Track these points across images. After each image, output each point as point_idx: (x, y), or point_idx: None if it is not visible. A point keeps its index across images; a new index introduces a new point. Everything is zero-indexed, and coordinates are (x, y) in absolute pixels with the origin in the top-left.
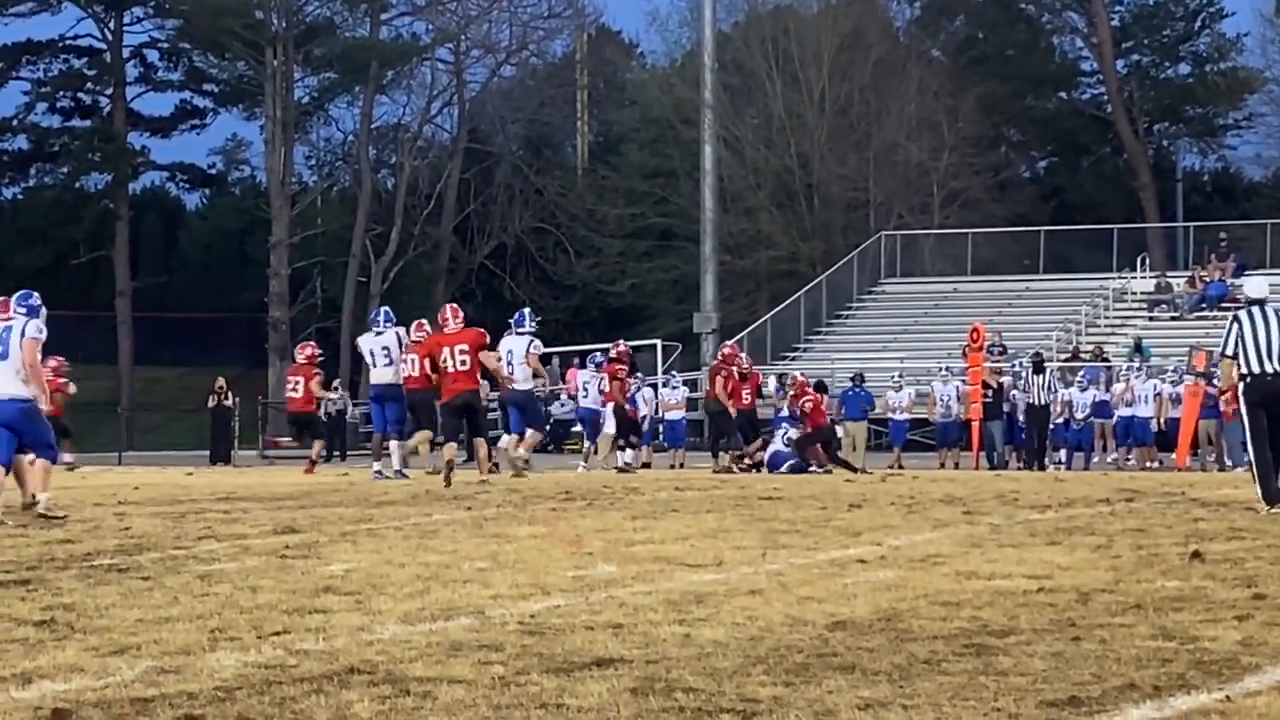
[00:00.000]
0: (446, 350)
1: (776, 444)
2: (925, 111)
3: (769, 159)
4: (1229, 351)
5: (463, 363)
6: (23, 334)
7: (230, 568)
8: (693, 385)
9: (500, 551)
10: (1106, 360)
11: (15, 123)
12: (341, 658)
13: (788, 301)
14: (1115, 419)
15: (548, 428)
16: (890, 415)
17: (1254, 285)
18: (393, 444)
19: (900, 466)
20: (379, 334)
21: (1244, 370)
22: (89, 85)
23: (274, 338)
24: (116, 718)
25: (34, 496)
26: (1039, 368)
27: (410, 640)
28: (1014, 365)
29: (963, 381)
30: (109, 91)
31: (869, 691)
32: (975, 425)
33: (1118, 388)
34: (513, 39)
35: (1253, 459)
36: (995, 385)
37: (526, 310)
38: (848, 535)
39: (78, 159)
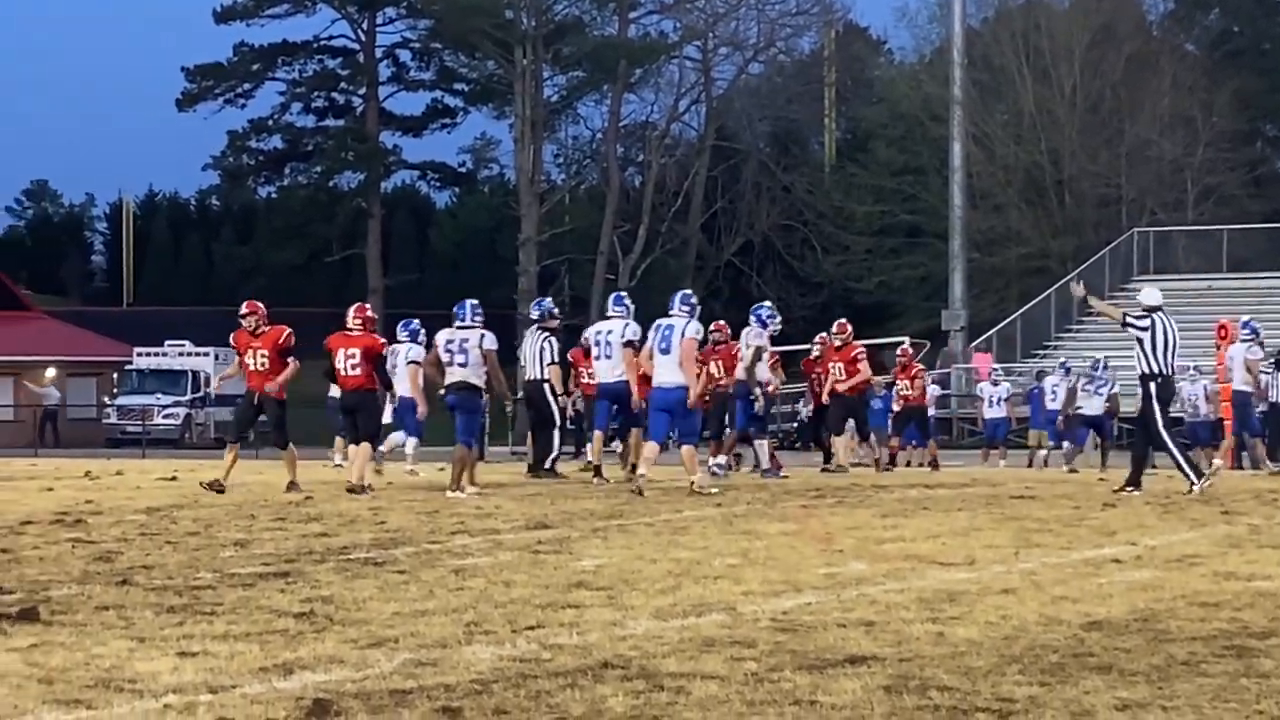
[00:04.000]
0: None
1: None
2: (1179, 106)
3: (1019, 155)
4: (1145, 351)
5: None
6: (683, 334)
7: (484, 562)
8: (943, 382)
9: (751, 548)
10: None
11: (271, 123)
12: (595, 652)
13: (1038, 299)
14: None
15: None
16: None
17: (1149, 294)
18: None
19: (1153, 466)
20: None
21: (1156, 371)
22: (342, 85)
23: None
24: (376, 709)
25: (634, 467)
26: None
27: (663, 636)
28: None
29: (1212, 380)
30: (362, 91)
31: (1127, 692)
32: (1228, 425)
33: None
34: (760, 36)
35: (1173, 449)
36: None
37: (766, 304)
38: (1102, 534)
39: (331, 158)
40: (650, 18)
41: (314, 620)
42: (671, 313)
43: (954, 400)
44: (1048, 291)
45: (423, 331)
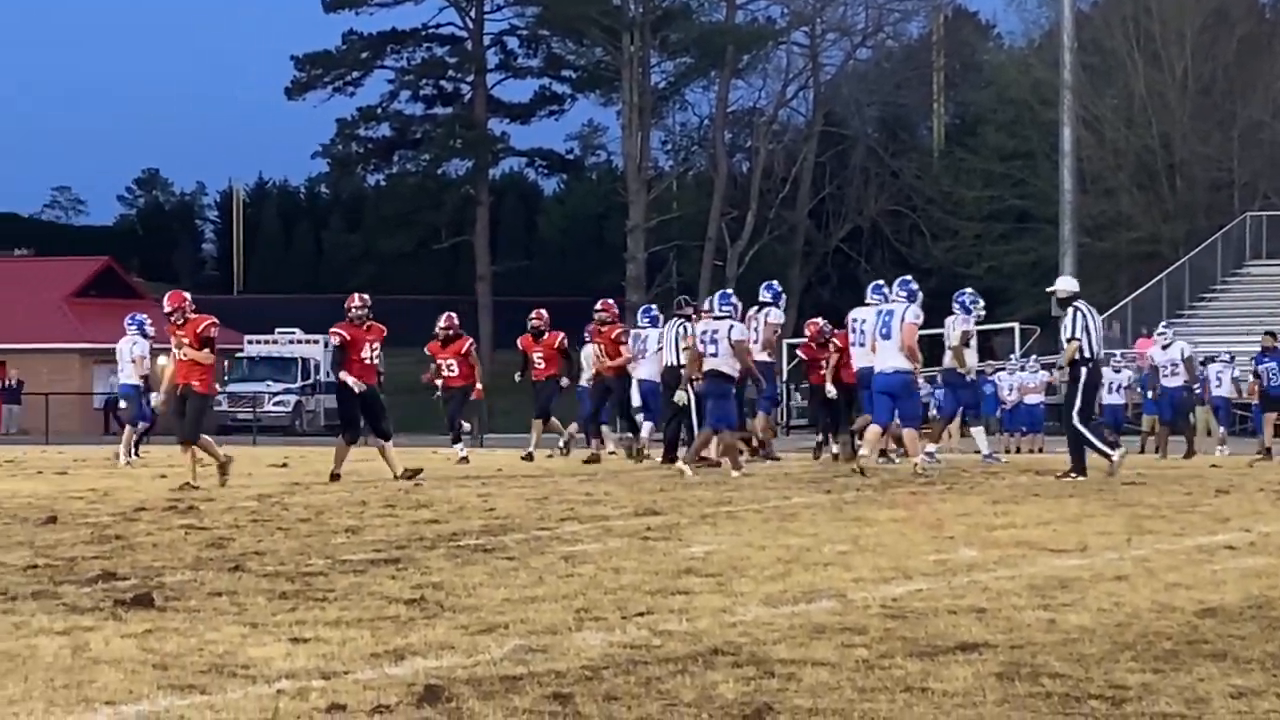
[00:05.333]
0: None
1: None
2: None
3: (1129, 139)
4: (1077, 335)
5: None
6: (903, 319)
7: (593, 549)
8: (1051, 369)
9: (861, 535)
10: None
11: (379, 111)
12: (705, 639)
13: (1149, 284)
14: None
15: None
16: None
17: (1066, 282)
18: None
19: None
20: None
21: (1086, 355)
22: (450, 73)
23: (630, 321)
24: (487, 695)
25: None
26: None
27: (773, 622)
28: None
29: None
30: (470, 79)
31: (1241, 680)
32: None
33: None
34: (868, 21)
35: (1087, 430)
36: None
37: (967, 290)
38: (1215, 521)
39: (440, 146)
40: (758, 3)
41: (425, 606)
42: (891, 298)
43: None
44: (1159, 277)
45: (661, 318)
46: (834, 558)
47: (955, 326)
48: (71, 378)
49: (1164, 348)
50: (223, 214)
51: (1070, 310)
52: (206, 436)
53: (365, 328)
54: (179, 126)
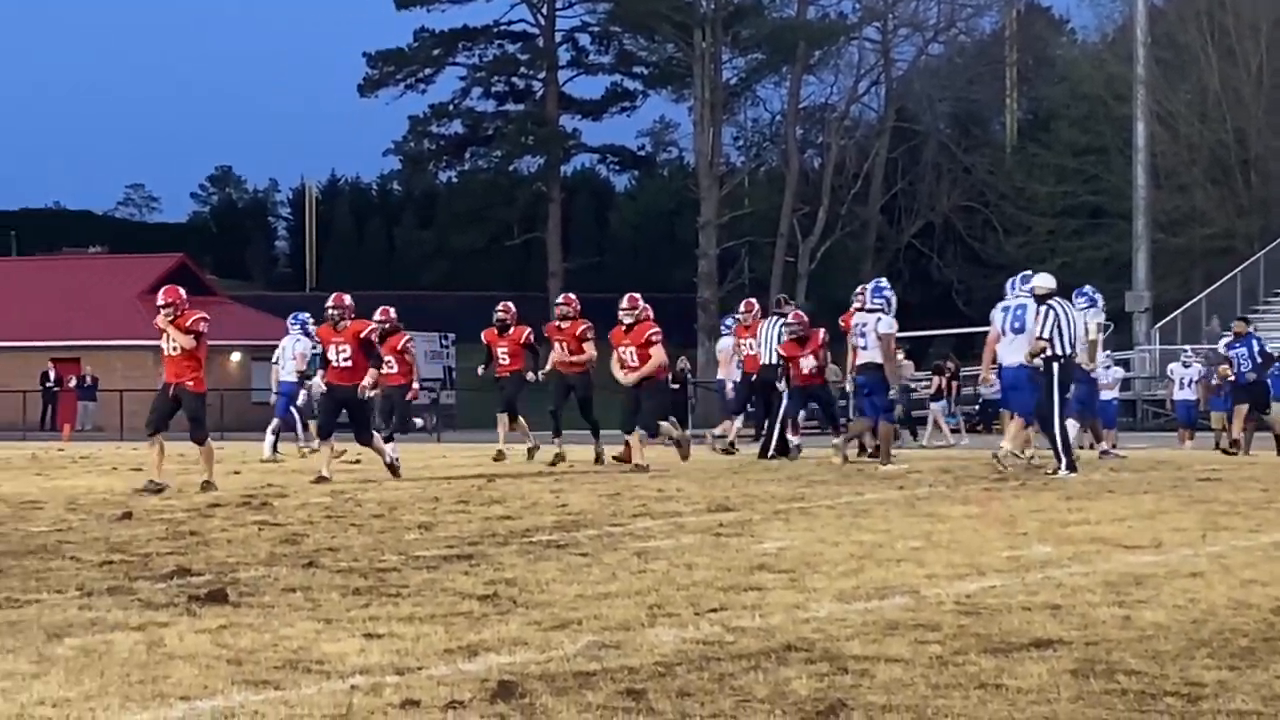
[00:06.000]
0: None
1: None
2: None
3: (1203, 134)
4: (1045, 334)
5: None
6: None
7: (666, 545)
8: (1125, 365)
9: (934, 531)
10: None
11: (451, 107)
12: (778, 635)
13: (1223, 279)
14: None
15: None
16: None
17: (1043, 279)
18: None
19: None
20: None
21: (1058, 353)
22: (522, 70)
23: (702, 318)
24: (560, 691)
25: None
26: None
27: (846, 618)
28: None
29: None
30: (541, 75)
31: None
32: None
33: None
34: (941, 16)
35: (1059, 431)
36: None
37: (1088, 286)
38: None
39: (511, 142)
40: None
41: (498, 603)
42: (1016, 294)
43: (1138, 382)
44: (1233, 272)
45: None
46: (907, 554)
47: (1088, 319)
48: (146, 374)
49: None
50: (295, 211)
51: (1044, 308)
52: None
53: (338, 329)
54: (252, 124)
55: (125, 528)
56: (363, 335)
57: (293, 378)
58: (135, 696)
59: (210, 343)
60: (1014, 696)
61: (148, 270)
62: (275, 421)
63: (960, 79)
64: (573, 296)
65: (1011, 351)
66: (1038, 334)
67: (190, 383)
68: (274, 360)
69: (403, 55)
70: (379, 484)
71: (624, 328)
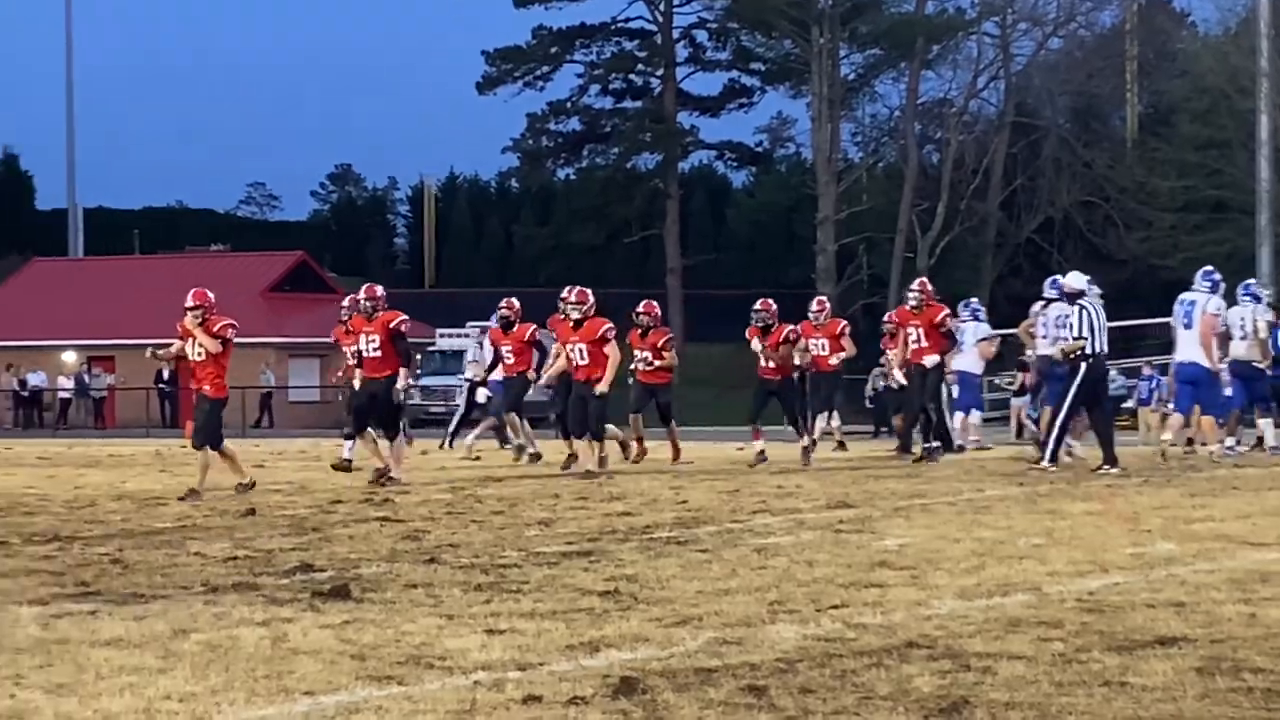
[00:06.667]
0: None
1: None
2: None
3: None
4: (1084, 334)
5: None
6: (1203, 310)
7: (785, 541)
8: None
9: (1055, 528)
10: None
11: (569, 105)
12: (900, 632)
13: None
14: None
15: None
16: None
17: (1075, 278)
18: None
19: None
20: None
21: (1089, 351)
22: (640, 67)
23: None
24: (682, 687)
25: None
26: None
27: (968, 615)
28: None
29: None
30: (659, 73)
31: None
32: None
33: None
34: (1060, 11)
35: (1059, 424)
36: None
37: (1251, 279)
38: None
39: (629, 139)
40: None
41: (619, 599)
42: (1193, 288)
43: None
44: None
45: (983, 309)
46: (1028, 551)
47: (1258, 317)
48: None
49: None
50: (414, 208)
51: (1076, 308)
52: (213, 450)
53: (370, 319)
54: (371, 123)
55: (249, 524)
56: (392, 325)
57: (498, 375)
58: (260, 691)
59: (331, 340)
60: (1138, 694)
61: (269, 268)
62: (489, 419)
63: (1080, 73)
64: (654, 304)
65: (1185, 348)
66: (1075, 334)
67: (208, 388)
68: (471, 358)
69: (521, 53)
70: (499, 480)
71: (571, 323)
